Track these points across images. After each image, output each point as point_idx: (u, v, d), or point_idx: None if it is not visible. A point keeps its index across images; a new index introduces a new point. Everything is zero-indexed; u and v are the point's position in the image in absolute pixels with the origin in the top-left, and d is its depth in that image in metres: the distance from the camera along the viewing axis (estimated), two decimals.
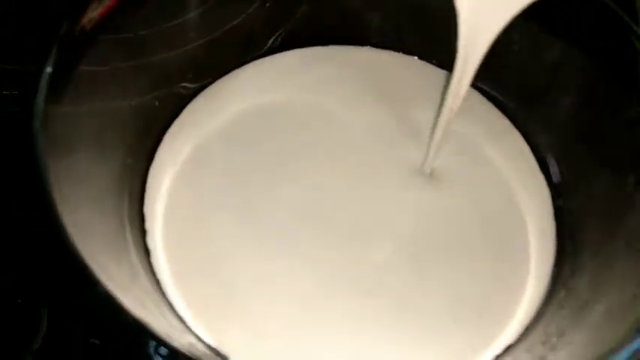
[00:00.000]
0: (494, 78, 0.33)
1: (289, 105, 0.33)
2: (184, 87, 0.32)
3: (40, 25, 0.36)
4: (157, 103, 0.31)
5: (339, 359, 0.26)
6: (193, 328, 0.26)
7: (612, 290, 0.24)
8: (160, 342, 0.17)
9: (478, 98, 0.34)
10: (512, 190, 0.32)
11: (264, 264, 0.28)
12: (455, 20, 0.32)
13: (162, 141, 0.31)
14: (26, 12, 0.37)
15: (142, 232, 0.28)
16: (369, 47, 0.36)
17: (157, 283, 0.27)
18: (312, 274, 0.28)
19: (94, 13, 0.23)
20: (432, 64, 0.35)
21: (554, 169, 0.32)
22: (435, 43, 0.34)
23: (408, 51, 0.36)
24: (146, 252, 0.28)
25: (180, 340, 0.19)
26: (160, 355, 0.17)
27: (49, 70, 0.21)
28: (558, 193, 0.32)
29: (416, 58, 0.36)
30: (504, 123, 0.34)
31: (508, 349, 0.27)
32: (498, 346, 0.27)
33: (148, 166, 0.30)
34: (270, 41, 0.35)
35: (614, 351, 0.19)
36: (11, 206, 0.31)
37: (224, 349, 0.25)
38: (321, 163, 0.31)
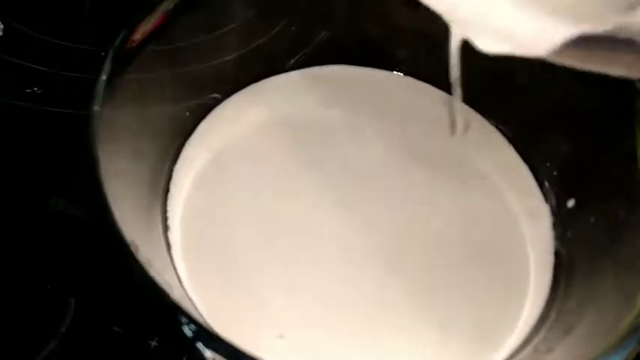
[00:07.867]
0: (501, 111, 0.35)
1: (306, 119, 0.35)
2: (214, 98, 0.34)
3: (66, 29, 0.38)
4: (187, 113, 0.33)
5: None
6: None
7: (595, 314, 0.25)
8: (193, 321, 0.18)
9: (487, 129, 0.36)
10: (516, 218, 0.32)
11: (279, 270, 0.29)
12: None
13: (184, 146, 0.33)
14: (53, 13, 0.39)
15: (166, 228, 0.30)
16: (385, 70, 0.38)
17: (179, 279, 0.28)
18: (324, 280, 0.29)
19: (145, 27, 0.25)
20: (441, 89, 0.36)
21: (554, 198, 0.33)
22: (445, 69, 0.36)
23: (421, 76, 0.37)
24: (168, 246, 0.29)
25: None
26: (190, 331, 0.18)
27: (104, 77, 0.23)
28: (557, 222, 0.32)
29: (427, 84, 0.37)
30: (509, 152, 0.35)
31: None
32: None
33: (173, 169, 0.32)
34: (292, 61, 0.37)
35: None
36: (46, 197, 0.32)
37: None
38: (334, 176, 0.33)
